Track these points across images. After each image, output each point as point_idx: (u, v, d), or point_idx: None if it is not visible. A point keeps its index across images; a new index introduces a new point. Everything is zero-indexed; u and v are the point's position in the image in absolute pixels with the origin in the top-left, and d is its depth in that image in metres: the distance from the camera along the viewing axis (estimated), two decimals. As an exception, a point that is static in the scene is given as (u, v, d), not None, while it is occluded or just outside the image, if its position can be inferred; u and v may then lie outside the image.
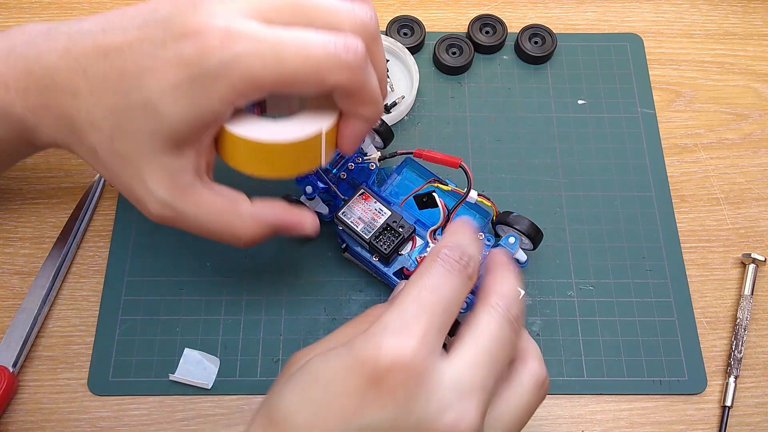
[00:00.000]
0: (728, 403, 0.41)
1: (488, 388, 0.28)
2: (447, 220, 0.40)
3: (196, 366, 0.41)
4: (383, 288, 0.44)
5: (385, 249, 0.39)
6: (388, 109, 0.49)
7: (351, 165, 0.42)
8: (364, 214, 0.40)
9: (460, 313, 0.30)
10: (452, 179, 0.42)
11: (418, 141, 0.49)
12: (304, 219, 0.37)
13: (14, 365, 0.41)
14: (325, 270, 0.44)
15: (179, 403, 0.41)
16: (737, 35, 0.54)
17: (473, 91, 0.51)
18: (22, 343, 0.41)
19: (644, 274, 0.45)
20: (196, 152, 0.33)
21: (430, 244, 0.39)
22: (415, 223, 0.40)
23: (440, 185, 0.42)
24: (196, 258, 0.45)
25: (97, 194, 0.47)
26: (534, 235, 0.40)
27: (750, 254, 0.45)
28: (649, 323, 0.44)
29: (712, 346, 0.43)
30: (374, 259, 0.41)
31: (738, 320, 0.43)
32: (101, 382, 0.41)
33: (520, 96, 0.51)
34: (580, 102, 0.51)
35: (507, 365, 0.30)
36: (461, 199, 0.40)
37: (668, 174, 0.48)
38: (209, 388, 0.41)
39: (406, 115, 0.50)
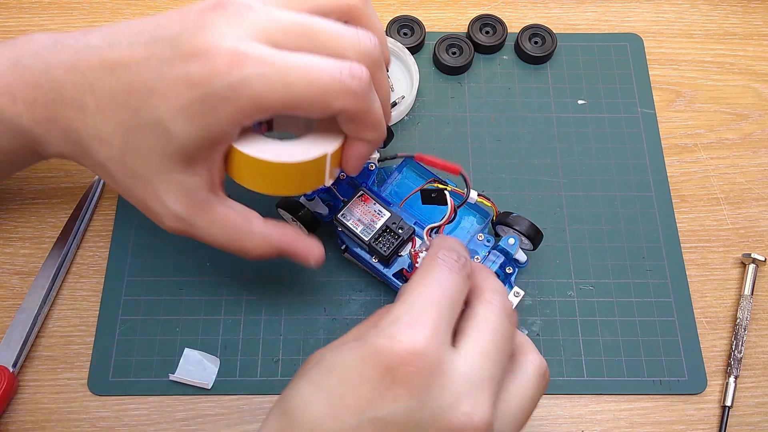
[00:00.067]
0: (728, 403, 0.41)
1: (497, 379, 0.29)
2: (450, 220, 0.40)
3: (196, 366, 0.41)
4: (383, 288, 0.44)
5: (385, 251, 0.39)
6: (388, 109, 0.49)
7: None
8: (364, 216, 0.40)
9: None
10: (452, 179, 0.42)
11: (418, 141, 0.49)
12: (312, 252, 0.38)
13: (14, 365, 0.41)
14: (325, 270, 0.44)
15: (179, 403, 0.41)
16: (737, 35, 0.54)
17: (473, 91, 0.51)
18: (22, 343, 0.41)
19: (644, 274, 0.45)
20: (208, 169, 0.34)
21: (426, 242, 0.39)
22: (414, 224, 0.40)
23: (440, 185, 0.41)
24: (196, 258, 0.45)
25: (97, 194, 0.47)
26: (534, 236, 0.40)
27: (750, 254, 0.45)
28: (649, 323, 0.44)
29: (712, 346, 0.43)
30: (374, 260, 0.41)
31: (738, 320, 0.43)
32: (101, 382, 0.41)
33: (520, 96, 0.51)
34: (580, 102, 0.51)
35: (509, 358, 0.31)
36: (461, 203, 0.40)
37: (668, 174, 0.48)
38: (209, 388, 0.41)
39: (406, 115, 0.50)
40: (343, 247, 0.42)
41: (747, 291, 0.44)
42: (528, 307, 0.44)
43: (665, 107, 0.51)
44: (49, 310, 0.43)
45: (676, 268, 0.45)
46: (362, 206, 0.40)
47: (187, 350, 0.42)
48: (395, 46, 0.51)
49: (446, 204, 0.39)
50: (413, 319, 0.28)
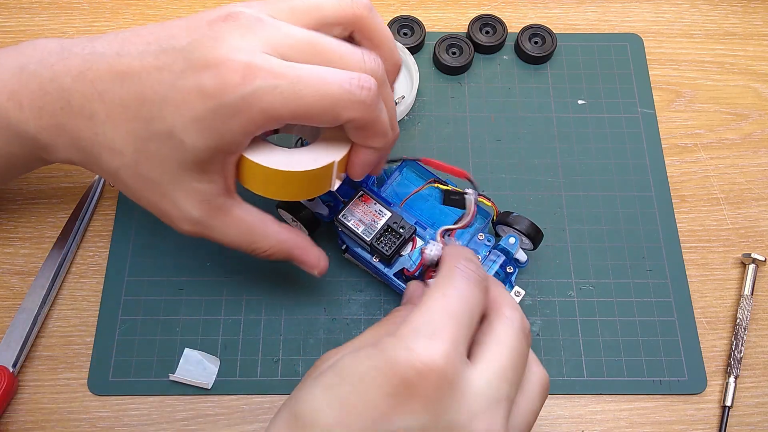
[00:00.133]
0: (728, 403, 0.41)
1: (511, 398, 0.29)
2: (467, 225, 0.40)
3: (196, 366, 0.41)
4: (383, 288, 0.44)
5: (387, 250, 0.39)
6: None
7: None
8: (365, 216, 0.40)
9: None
10: (452, 179, 0.42)
11: (418, 141, 0.49)
12: (318, 264, 0.39)
13: (14, 365, 0.41)
14: (325, 270, 0.44)
15: (179, 403, 0.41)
16: (737, 35, 0.54)
17: (473, 91, 0.51)
18: (22, 343, 0.41)
19: (644, 274, 0.45)
20: (222, 175, 0.34)
21: (438, 242, 0.38)
22: (415, 224, 0.40)
23: (440, 185, 0.42)
24: (196, 258, 0.45)
25: (97, 194, 0.47)
26: (534, 235, 0.40)
27: (750, 254, 0.45)
28: (649, 323, 0.44)
29: (712, 346, 0.43)
30: (375, 260, 0.41)
31: (738, 320, 0.43)
32: (101, 382, 0.41)
33: (520, 96, 0.51)
34: (580, 102, 0.51)
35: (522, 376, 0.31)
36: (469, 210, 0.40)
37: (668, 174, 0.48)
38: (209, 388, 0.41)
39: (406, 115, 0.50)
40: (343, 247, 0.42)
41: (747, 291, 0.44)
42: (528, 307, 0.44)
43: (665, 107, 0.51)
44: (49, 310, 0.43)
45: (676, 268, 0.45)
46: (363, 206, 0.40)
47: (187, 350, 0.42)
48: (395, 46, 0.51)
49: (464, 207, 0.39)
50: (433, 331, 0.28)
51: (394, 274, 0.40)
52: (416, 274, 0.39)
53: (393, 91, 0.40)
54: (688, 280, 0.45)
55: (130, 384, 0.41)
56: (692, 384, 0.42)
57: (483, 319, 0.31)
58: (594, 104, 0.51)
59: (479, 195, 0.41)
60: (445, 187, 0.41)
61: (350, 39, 0.36)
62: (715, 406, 0.42)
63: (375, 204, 0.40)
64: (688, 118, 0.51)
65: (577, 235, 0.46)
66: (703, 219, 0.47)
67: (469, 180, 0.40)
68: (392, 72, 0.38)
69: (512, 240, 0.40)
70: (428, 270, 0.39)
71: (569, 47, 0.53)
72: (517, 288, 0.41)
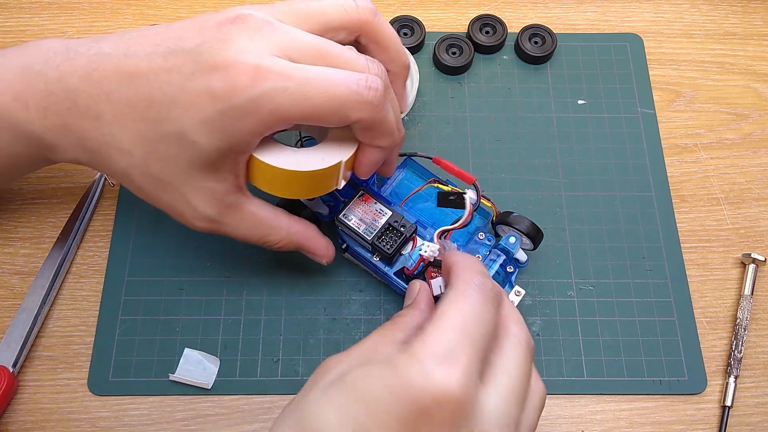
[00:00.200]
0: (728, 403, 0.41)
1: (518, 417, 0.29)
2: (464, 225, 0.40)
3: (196, 366, 0.41)
4: (383, 288, 0.44)
5: (388, 249, 0.39)
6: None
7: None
8: (365, 215, 0.40)
9: None
10: (452, 179, 0.42)
11: (418, 141, 0.49)
12: (326, 253, 0.40)
13: (14, 365, 0.41)
14: (325, 270, 0.44)
15: (179, 403, 0.41)
16: (737, 35, 0.54)
17: (473, 91, 0.51)
18: (22, 343, 0.41)
19: (644, 274, 0.45)
20: (233, 173, 0.35)
21: (435, 243, 0.38)
22: (415, 222, 0.40)
23: (440, 185, 0.42)
24: (196, 258, 0.45)
25: (97, 194, 0.47)
26: (534, 235, 0.40)
27: (750, 254, 0.45)
28: (649, 323, 0.44)
29: (712, 346, 0.43)
30: (375, 259, 0.41)
31: (738, 320, 0.43)
32: (101, 382, 0.41)
33: (520, 96, 0.51)
34: (580, 102, 0.51)
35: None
36: (473, 208, 0.40)
37: (668, 174, 0.48)
38: (209, 388, 0.41)
39: (406, 115, 0.50)
40: (343, 246, 0.42)
41: (747, 291, 0.44)
42: (528, 307, 0.44)
43: (665, 107, 0.51)
44: (49, 310, 0.43)
45: (676, 268, 0.45)
46: (363, 206, 0.40)
47: (187, 350, 0.42)
48: (395, 46, 0.51)
49: (464, 207, 0.39)
50: (449, 354, 0.27)
51: (395, 273, 0.40)
52: (416, 272, 0.39)
53: (405, 90, 0.41)
54: (688, 280, 0.45)
55: (130, 384, 0.41)
56: (692, 384, 0.42)
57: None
58: (594, 104, 0.51)
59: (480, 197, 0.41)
60: (444, 188, 0.41)
61: (356, 43, 0.36)
62: (715, 406, 0.42)
63: (375, 203, 0.40)
64: (688, 118, 0.51)
65: (577, 235, 0.46)
66: (703, 219, 0.47)
67: (475, 186, 0.40)
68: (401, 73, 0.38)
69: (512, 240, 0.40)
70: (428, 268, 0.39)
71: (569, 47, 0.53)
72: (517, 288, 0.41)
